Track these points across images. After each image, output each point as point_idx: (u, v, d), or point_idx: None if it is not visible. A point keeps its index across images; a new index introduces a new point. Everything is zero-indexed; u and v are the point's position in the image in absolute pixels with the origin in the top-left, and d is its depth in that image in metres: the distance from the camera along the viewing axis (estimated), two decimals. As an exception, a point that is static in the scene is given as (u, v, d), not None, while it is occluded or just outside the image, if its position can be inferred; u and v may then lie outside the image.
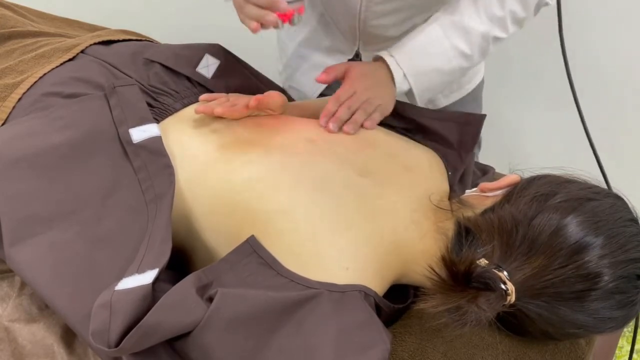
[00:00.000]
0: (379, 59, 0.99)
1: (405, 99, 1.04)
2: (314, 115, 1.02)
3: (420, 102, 1.01)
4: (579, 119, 0.94)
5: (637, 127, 1.63)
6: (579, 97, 0.93)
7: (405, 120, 1.00)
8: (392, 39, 1.07)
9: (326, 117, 0.92)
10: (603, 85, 1.59)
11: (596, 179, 0.80)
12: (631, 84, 1.57)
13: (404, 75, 0.96)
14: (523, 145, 1.75)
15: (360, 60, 1.15)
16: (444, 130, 0.97)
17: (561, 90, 0.93)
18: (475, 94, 1.27)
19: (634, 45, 1.52)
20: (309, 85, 1.23)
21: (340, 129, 0.92)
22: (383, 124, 1.02)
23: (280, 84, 1.33)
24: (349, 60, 1.15)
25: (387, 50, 0.98)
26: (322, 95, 1.22)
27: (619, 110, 1.62)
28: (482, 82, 1.29)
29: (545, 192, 0.75)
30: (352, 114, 0.93)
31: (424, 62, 0.97)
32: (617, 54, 1.54)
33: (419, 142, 0.97)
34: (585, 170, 0.80)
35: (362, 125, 0.93)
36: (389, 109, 0.97)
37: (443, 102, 1.21)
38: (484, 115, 0.98)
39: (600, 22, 1.51)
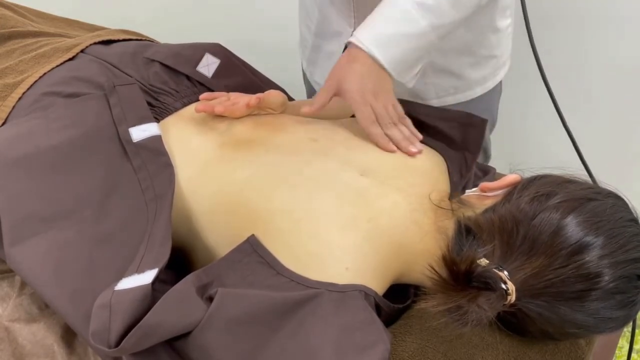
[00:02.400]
0: (348, 45, 0.92)
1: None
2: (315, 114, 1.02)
3: (401, 79, 0.93)
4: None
5: (631, 127, 1.64)
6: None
7: (409, 118, 1.00)
8: None
9: (389, 143, 0.90)
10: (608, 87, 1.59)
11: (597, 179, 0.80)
12: (626, 84, 1.57)
13: (369, 49, 0.88)
14: (523, 145, 1.75)
15: None
16: (448, 130, 0.97)
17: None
18: (489, 104, 1.22)
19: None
20: (323, 77, 1.22)
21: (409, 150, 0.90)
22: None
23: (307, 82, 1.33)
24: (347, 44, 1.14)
25: (351, 35, 0.92)
26: None
27: (615, 110, 1.63)
28: (496, 92, 1.22)
29: (545, 191, 0.75)
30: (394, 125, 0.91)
31: (384, 29, 0.89)
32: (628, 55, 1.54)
33: (421, 140, 0.97)
34: (584, 171, 0.80)
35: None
36: (395, 97, 0.92)
37: (449, 100, 1.17)
38: (486, 120, 0.97)
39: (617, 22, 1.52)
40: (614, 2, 1.48)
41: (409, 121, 0.93)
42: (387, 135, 0.90)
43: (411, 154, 0.90)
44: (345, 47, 0.92)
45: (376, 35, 0.88)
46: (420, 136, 0.93)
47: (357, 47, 0.89)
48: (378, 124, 0.90)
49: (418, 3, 0.88)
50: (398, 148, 0.90)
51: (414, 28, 0.89)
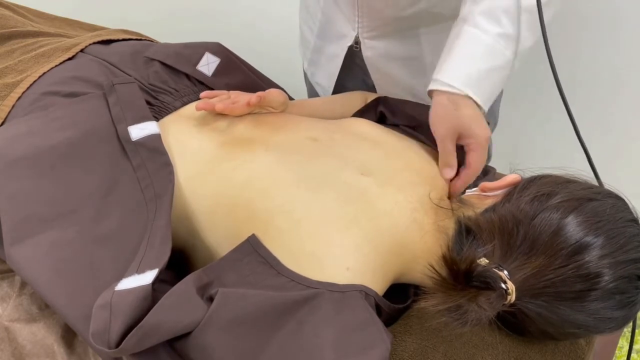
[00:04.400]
0: (432, 93, 0.90)
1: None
2: (315, 113, 1.02)
3: (486, 110, 0.91)
4: (582, 120, 0.94)
5: (634, 129, 1.64)
6: (581, 97, 0.91)
7: (410, 118, 1.00)
8: (391, 18, 1.05)
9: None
10: (605, 86, 1.59)
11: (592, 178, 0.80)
12: (629, 86, 1.57)
13: (462, 91, 0.86)
14: (523, 145, 1.75)
15: (360, 48, 1.12)
16: None
17: (565, 90, 0.92)
18: (491, 104, 1.24)
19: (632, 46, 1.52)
20: (325, 78, 1.23)
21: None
22: (387, 123, 1.02)
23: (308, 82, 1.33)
24: (349, 47, 1.13)
25: (433, 80, 0.89)
26: (335, 90, 1.22)
27: (618, 111, 1.63)
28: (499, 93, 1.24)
29: (546, 191, 0.75)
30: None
31: (472, 68, 0.87)
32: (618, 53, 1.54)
33: (421, 141, 0.97)
34: (585, 171, 0.80)
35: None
36: (488, 136, 0.89)
37: None
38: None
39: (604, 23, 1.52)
40: (616, 2, 1.48)
41: None
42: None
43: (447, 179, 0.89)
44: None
45: (465, 76, 0.87)
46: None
47: (450, 93, 0.87)
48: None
49: (500, 35, 0.86)
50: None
51: (500, 60, 0.88)
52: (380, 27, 1.08)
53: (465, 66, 0.87)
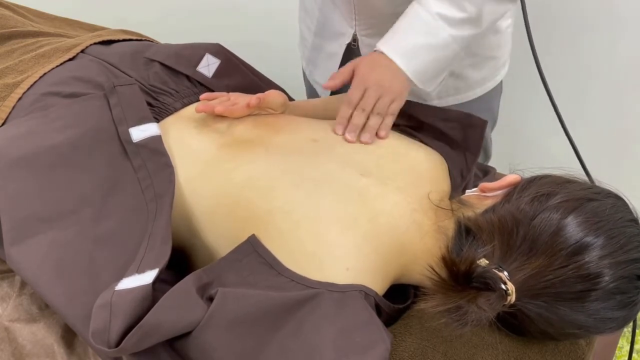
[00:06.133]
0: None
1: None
2: (315, 114, 1.02)
3: (426, 87, 0.95)
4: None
5: (634, 129, 1.64)
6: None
7: (410, 118, 1.00)
8: (386, 15, 1.05)
9: (342, 125, 0.91)
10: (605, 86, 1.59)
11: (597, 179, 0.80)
12: (631, 85, 1.58)
13: (393, 59, 0.91)
14: (523, 145, 1.75)
15: (358, 46, 1.14)
16: (448, 130, 0.97)
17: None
18: (490, 103, 1.23)
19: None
20: (324, 77, 1.23)
21: (357, 139, 0.90)
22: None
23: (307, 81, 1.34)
24: (347, 44, 1.15)
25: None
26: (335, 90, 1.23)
27: (620, 112, 1.63)
28: (497, 92, 1.24)
29: (545, 192, 0.75)
30: (367, 116, 0.91)
31: (405, 41, 0.91)
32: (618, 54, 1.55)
33: (422, 140, 0.97)
34: (583, 171, 0.80)
35: (377, 135, 0.91)
36: (402, 99, 0.93)
37: (450, 100, 1.18)
38: (486, 121, 0.97)
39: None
40: (613, 2, 1.48)
41: (389, 119, 0.93)
42: (351, 118, 0.91)
43: (345, 138, 0.90)
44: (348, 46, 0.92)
45: (399, 47, 0.91)
46: (383, 135, 0.92)
47: (381, 53, 0.92)
48: (353, 107, 0.91)
49: (439, 14, 0.89)
50: (348, 133, 0.91)
51: (435, 39, 0.90)
52: (377, 25, 1.08)
53: (400, 39, 0.92)
